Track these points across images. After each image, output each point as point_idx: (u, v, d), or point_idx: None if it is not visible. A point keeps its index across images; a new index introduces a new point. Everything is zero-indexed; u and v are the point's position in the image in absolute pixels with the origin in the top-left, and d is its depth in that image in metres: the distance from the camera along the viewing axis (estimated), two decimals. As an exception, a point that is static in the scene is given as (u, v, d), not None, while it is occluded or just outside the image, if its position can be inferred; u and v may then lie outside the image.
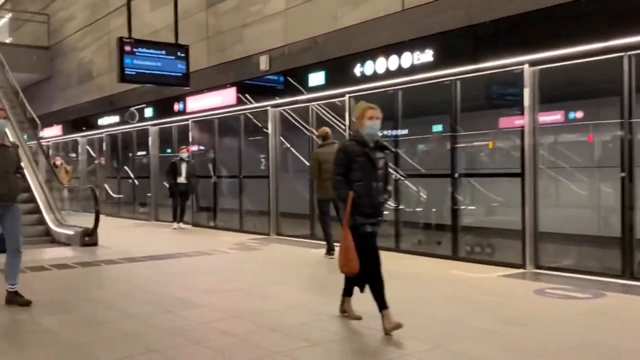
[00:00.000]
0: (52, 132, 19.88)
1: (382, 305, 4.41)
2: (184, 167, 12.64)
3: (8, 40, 21.75)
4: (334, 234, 8.11)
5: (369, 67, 8.80)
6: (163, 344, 4.14)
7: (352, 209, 4.39)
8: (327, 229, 8.13)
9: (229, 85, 11.77)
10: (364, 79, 8.89)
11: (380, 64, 8.61)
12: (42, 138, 20.61)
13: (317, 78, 9.75)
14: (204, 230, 12.45)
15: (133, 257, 8.34)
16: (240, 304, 5.39)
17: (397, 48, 8.35)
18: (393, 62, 8.43)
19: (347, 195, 4.39)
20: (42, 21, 19.67)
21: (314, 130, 9.98)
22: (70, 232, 10.04)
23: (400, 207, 8.70)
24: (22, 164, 5.94)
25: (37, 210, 11.02)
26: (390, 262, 7.77)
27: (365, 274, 4.50)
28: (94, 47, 16.99)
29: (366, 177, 4.44)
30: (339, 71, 9.36)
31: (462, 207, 7.95)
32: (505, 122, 7.71)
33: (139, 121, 15.00)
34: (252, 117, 11.60)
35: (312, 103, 10.10)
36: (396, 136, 8.78)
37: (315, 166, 7.98)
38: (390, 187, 4.75)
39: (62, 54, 18.98)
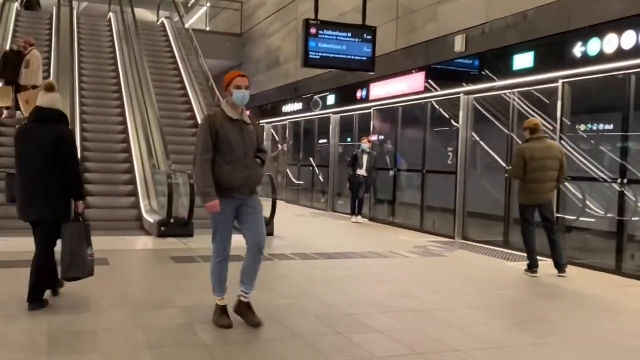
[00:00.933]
0: (240, 118, 20.54)
1: None
2: (365, 158, 11.91)
3: (207, 29, 23.00)
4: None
5: (593, 47, 7.15)
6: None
7: None
8: (530, 241, 6.74)
9: (415, 71, 10.72)
10: (586, 61, 7.26)
11: (610, 43, 6.93)
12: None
13: (523, 60, 8.27)
14: (381, 227, 11.61)
15: (306, 254, 7.74)
16: (424, 334, 4.37)
17: (636, 22, 6.63)
18: (628, 39, 6.72)
19: None
20: (236, 9, 20.31)
21: (514, 122, 8.57)
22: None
23: (621, 218, 6.99)
24: (265, 146, 4.63)
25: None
26: (610, 289, 6.17)
27: None
28: (282, 34, 16.99)
29: None
30: (553, 52, 7.82)
31: None
32: None
33: (322, 109, 14.61)
34: (438, 106, 10.43)
35: (515, 90, 8.64)
36: (625, 132, 7.05)
37: (519, 165, 6.63)
38: None
39: (253, 40, 19.40)
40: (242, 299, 4.37)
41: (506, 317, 5.12)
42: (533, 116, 8.08)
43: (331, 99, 14.11)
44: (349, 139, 14.09)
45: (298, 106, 15.94)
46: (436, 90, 10.20)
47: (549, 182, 6.64)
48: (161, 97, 13.76)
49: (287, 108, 16.63)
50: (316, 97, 14.80)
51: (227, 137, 4.23)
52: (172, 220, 8.85)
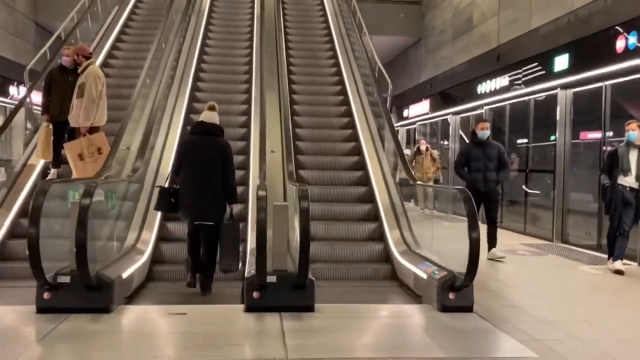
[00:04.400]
0: (418, 109, 15.88)
1: None
2: (633, 158, 6.62)
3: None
4: None
5: None
6: None
7: None
8: None
9: None
10: None
11: None
12: (406, 118, 17.01)
13: None
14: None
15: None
16: None
17: None
18: None
19: None
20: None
21: None
22: (423, 275, 5.18)
23: None
24: None
25: (378, 228, 6.66)
26: None
27: None
28: (476, -17, 12.05)
29: None
30: None
31: None
32: None
33: (541, 81, 9.41)
34: None
35: None
36: None
37: None
38: None
39: (434, 5, 14.67)
40: None
41: None
42: None
43: (560, 63, 8.84)
44: (592, 128, 8.75)
45: (501, 82, 10.85)
46: None
47: None
48: (305, 86, 9.84)
49: (483, 88, 11.60)
50: (517, 83, 9.75)
51: None
52: (275, 279, 4.59)
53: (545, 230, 9.44)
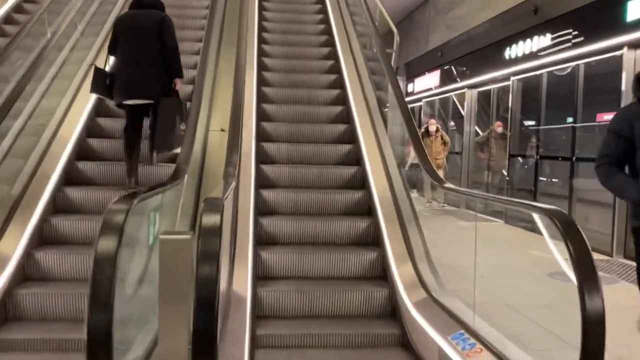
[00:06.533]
0: (425, 83, 13.42)
1: None
2: None
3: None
4: None
5: None
6: None
7: None
8: None
9: None
10: None
11: None
12: (411, 94, 14.58)
13: None
14: None
15: None
16: None
17: None
18: None
19: None
20: None
21: None
22: (453, 354, 2.79)
23: None
24: None
25: (379, 259, 4.27)
26: None
27: None
28: None
29: None
30: None
31: None
32: None
33: (598, 38, 6.98)
34: None
35: None
36: None
37: None
38: None
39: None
40: None
41: None
42: None
43: (636, 10, 6.39)
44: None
45: (538, 45, 8.37)
46: None
47: None
48: (281, 47, 7.43)
49: (514, 51, 9.13)
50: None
51: None
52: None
53: (600, 237, 7.06)
